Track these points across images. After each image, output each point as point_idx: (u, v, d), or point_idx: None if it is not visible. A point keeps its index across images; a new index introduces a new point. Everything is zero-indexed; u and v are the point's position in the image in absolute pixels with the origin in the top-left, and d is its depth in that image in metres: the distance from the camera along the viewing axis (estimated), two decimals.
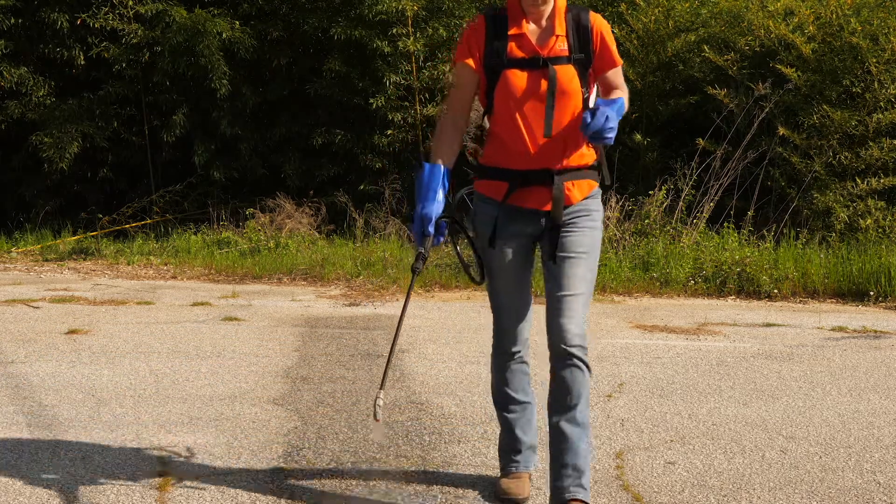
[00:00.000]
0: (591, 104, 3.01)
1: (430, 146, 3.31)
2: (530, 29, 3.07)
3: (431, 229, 2.97)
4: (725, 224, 9.45)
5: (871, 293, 8.24)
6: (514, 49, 3.04)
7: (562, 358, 3.01)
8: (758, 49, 10.42)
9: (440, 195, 3.00)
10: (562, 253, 3.06)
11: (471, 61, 3.10)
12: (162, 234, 11.77)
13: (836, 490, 3.50)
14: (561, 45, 3.05)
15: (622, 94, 3.08)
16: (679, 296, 8.51)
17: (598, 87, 3.16)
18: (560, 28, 3.06)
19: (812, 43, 9.97)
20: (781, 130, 9.82)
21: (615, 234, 9.64)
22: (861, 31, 9.68)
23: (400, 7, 11.55)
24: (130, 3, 12.02)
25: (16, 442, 4.00)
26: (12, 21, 12.25)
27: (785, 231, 9.42)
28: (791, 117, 10.14)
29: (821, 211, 9.70)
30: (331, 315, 7.42)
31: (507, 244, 3.13)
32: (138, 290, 8.74)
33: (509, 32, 3.06)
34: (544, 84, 3.01)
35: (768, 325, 7.04)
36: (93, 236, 11.64)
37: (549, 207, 3.07)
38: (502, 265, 3.16)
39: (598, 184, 3.17)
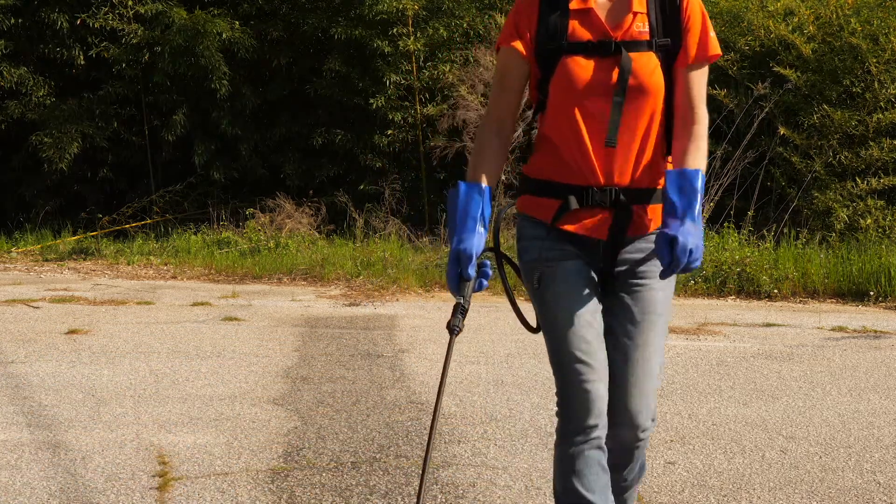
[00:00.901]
0: (667, 182, 2.25)
1: (467, 158, 2.67)
2: (599, 3, 2.31)
3: (472, 271, 2.23)
4: (725, 224, 9.45)
5: (871, 293, 8.24)
6: (576, 29, 2.30)
7: (627, 445, 2.35)
8: (758, 49, 10.42)
9: (482, 224, 2.27)
10: (632, 315, 2.33)
11: (519, 45, 2.33)
12: (162, 234, 11.77)
13: (836, 490, 3.50)
14: (640, 26, 2.30)
15: (700, 146, 2.29)
16: (679, 296, 8.51)
17: None
18: (639, 3, 2.30)
19: (812, 43, 9.97)
20: (782, 130, 9.83)
21: None
22: (861, 31, 9.68)
23: (400, 7, 11.56)
24: (130, 3, 12.03)
25: (16, 442, 4.00)
26: (12, 21, 12.26)
27: (785, 231, 9.42)
28: (791, 117, 10.15)
29: (821, 211, 9.70)
30: (331, 315, 7.42)
31: (564, 266, 2.33)
32: (138, 290, 8.74)
33: (570, 7, 2.31)
34: (615, 75, 2.25)
35: (768, 325, 7.04)
36: (93, 236, 11.64)
37: (608, 236, 2.32)
38: (560, 295, 2.33)
39: None
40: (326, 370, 5.43)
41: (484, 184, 2.31)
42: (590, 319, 2.30)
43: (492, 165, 2.36)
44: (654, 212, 2.33)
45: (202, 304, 7.86)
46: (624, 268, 2.33)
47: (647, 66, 2.26)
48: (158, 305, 7.81)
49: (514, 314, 2.41)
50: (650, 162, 2.31)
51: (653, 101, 2.27)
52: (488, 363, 5.57)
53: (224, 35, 11.76)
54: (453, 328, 2.20)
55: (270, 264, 9.89)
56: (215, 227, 11.67)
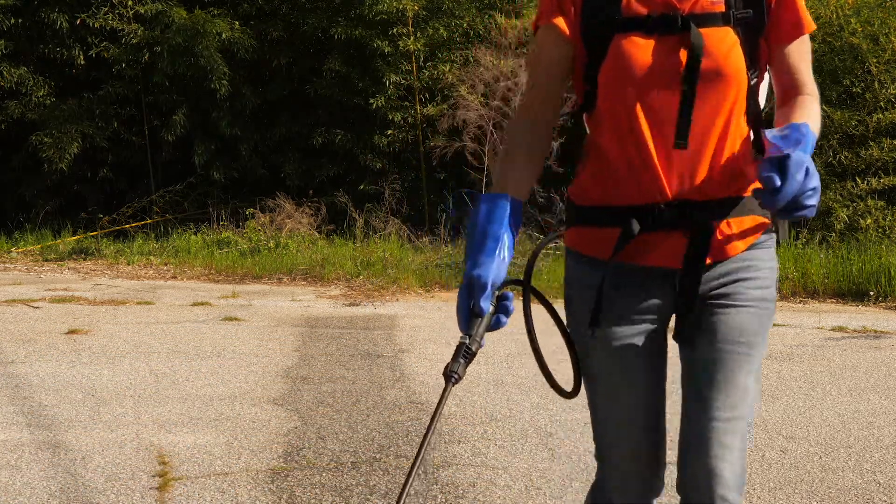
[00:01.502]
0: (769, 140, 1.68)
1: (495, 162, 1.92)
2: None
3: (487, 305, 1.67)
4: None
5: (871, 293, 8.24)
6: (632, 0, 1.77)
7: None
8: None
9: (506, 247, 1.70)
10: (712, 343, 1.78)
11: (561, 21, 1.81)
12: (162, 234, 11.78)
13: (836, 490, 3.50)
14: None
15: (809, 106, 1.76)
16: None
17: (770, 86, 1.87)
18: None
19: (812, 43, 9.97)
20: None
21: None
22: (861, 32, 9.69)
23: (400, 7, 11.56)
24: (130, 3, 12.03)
25: (16, 442, 4.00)
26: (12, 21, 12.26)
27: None
28: None
29: (821, 211, 9.71)
30: (331, 315, 7.42)
31: (622, 329, 1.82)
32: (138, 290, 8.74)
33: None
34: (683, 57, 1.72)
35: None
36: (93, 236, 11.64)
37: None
38: (613, 365, 1.83)
39: (769, 221, 1.84)
40: (326, 370, 5.43)
41: (511, 195, 1.73)
42: (646, 379, 1.84)
43: (523, 171, 1.80)
44: (742, 226, 1.80)
45: (202, 304, 7.86)
46: (704, 293, 1.80)
47: (723, 44, 1.74)
48: (158, 305, 7.81)
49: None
50: (732, 166, 1.77)
51: (732, 89, 1.74)
52: (488, 363, 5.57)
53: (224, 35, 11.77)
54: (450, 374, 1.64)
55: (270, 264, 9.89)
56: (215, 227, 11.68)
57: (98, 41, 12.21)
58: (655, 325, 1.84)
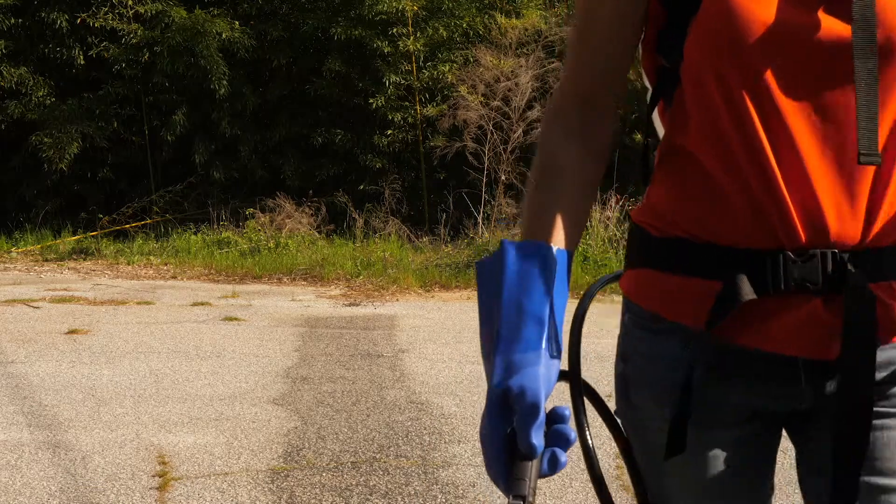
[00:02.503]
0: None
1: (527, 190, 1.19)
2: None
3: (540, 439, 0.93)
4: None
5: None
6: None
7: None
8: None
9: (556, 334, 1.00)
10: (875, 477, 1.11)
11: None
12: (162, 234, 11.78)
13: None
14: None
15: None
16: None
17: None
18: None
19: None
20: None
21: (615, 234, 9.64)
22: None
23: (400, 7, 11.56)
24: (130, 2, 12.03)
25: (16, 442, 4.00)
26: (12, 21, 12.26)
27: None
28: None
29: None
30: (331, 315, 7.42)
31: (718, 438, 1.18)
32: (138, 290, 8.74)
33: None
34: (838, 27, 1.04)
35: None
36: (93, 236, 11.65)
37: (830, 353, 1.09)
38: (700, 486, 1.20)
39: None
40: (326, 370, 5.43)
41: (555, 245, 1.05)
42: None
43: (570, 199, 1.10)
44: None
45: (202, 304, 7.86)
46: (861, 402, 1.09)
47: None
48: (158, 305, 7.81)
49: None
50: None
51: None
52: None
53: (223, 35, 11.77)
54: None
55: (270, 264, 9.89)
56: (215, 227, 11.68)
57: (98, 41, 12.21)
58: (769, 433, 1.22)
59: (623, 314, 1.22)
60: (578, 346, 1.14)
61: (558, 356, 0.99)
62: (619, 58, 1.15)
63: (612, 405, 1.19)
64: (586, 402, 1.11)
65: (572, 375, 1.10)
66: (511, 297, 0.99)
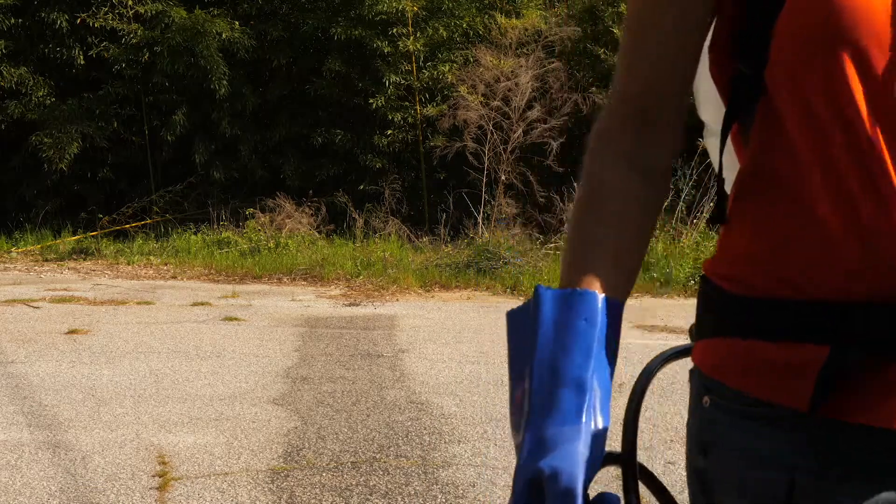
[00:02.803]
0: None
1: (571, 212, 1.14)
2: None
3: None
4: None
5: None
6: None
7: None
8: None
9: (598, 405, 0.79)
10: None
11: None
12: (162, 234, 11.78)
13: None
14: None
15: None
16: (679, 296, 8.51)
17: None
18: None
19: None
20: None
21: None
22: None
23: (400, 7, 11.57)
24: (130, 3, 12.03)
25: (16, 442, 4.00)
26: (12, 21, 12.26)
27: None
28: None
29: None
30: (331, 315, 7.42)
31: None
32: (138, 290, 8.74)
33: None
34: None
35: None
36: (93, 236, 11.65)
37: None
38: None
39: None
40: (326, 370, 5.43)
41: (602, 293, 0.85)
42: None
43: (623, 236, 0.90)
44: None
45: (202, 304, 7.86)
46: None
47: None
48: (158, 305, 7.81)
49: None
50: None
51: None
52: (488, 363, 5.57)
53: (224, 35, 11.77)
54: None
55: (270, 264, 9.89)
56: (215, 227, 11.69)
57: (98, 41, 12.21)
58: None
59: (699, 394, 0.95)
60: (635, 430, 0.93)
61: (605, 423, 0.79)
62: (683, 66, 0.93)
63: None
64: (642, 488, 0.88)
65: (625, 457, 0.87)
66: (545, 357, 0.80)
